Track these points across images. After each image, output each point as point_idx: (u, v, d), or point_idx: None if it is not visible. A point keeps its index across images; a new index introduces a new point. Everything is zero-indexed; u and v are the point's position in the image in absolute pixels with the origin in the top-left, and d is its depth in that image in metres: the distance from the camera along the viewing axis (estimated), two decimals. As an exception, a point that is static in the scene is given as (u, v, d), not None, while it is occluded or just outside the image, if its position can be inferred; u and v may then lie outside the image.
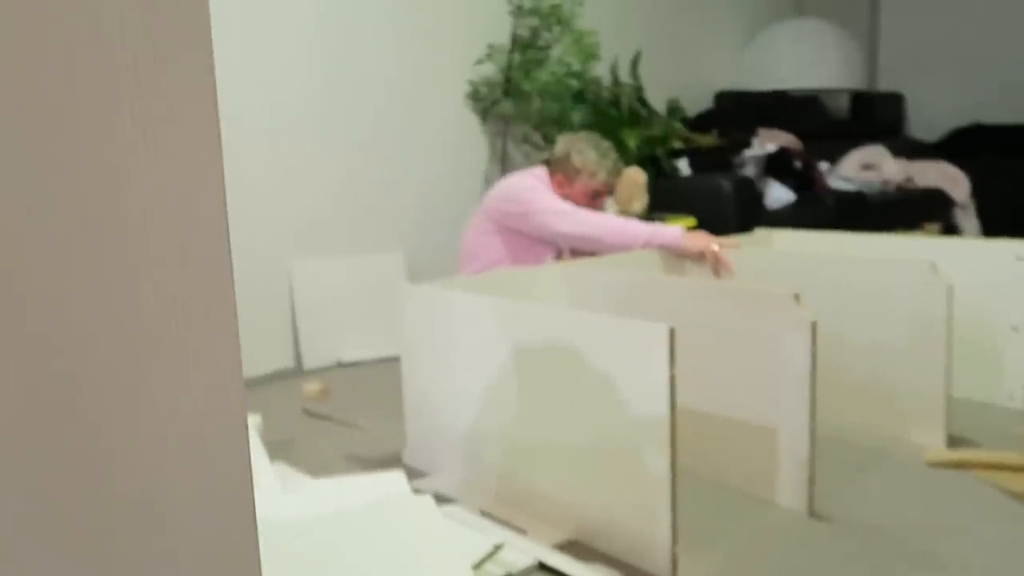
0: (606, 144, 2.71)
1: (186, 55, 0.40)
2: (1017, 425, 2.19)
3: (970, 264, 2.32)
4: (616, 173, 2.71)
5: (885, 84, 5.91)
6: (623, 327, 1.47)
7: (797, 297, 1.68)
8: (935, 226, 4.23)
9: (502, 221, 2.57)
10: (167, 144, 0.40)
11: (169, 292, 0.42)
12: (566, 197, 2.62)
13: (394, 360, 2.88)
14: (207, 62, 0.40)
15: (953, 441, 2.06)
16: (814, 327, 1.65)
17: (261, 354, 2.98)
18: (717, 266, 2.36)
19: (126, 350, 0.41)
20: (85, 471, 0.42)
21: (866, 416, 2.17)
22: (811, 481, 1.70)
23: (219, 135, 0.42)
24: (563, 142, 2.69)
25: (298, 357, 3.05)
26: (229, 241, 0.43)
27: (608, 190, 2.71)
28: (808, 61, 4.69)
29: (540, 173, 2.66)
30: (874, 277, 2.12)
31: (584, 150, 2.65)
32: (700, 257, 2.37)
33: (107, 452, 0.42)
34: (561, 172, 2.64)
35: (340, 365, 3.05)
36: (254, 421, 2.13)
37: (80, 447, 0.41)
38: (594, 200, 2.67)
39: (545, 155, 3.07)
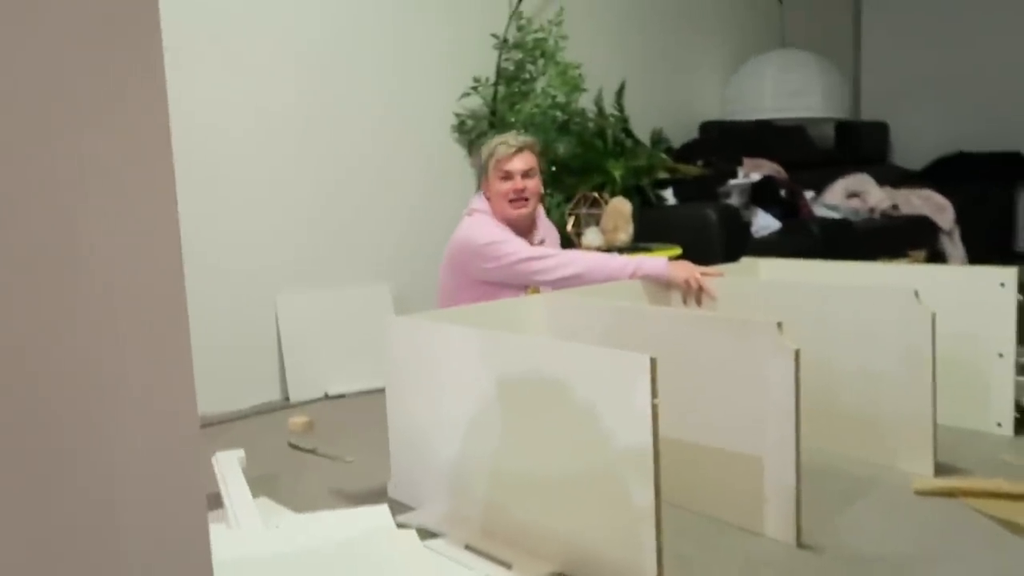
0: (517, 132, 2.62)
1: (137, 96, 0.40)
2: (1005, 452, 2.18)
3: (954, 291, 2.33)
4: (516, 147, 2.50)
5: (869, 114, 5.99)
6: (605, 357, 1.46)
7: (780, 325, 1.67)
8: (920, 253, 4.26)
9: (477, 277, 2.47)
10: (118, 183, 0.40)
11: (120, 329, 0.41)
12: (489, 200, 2.54)
13: (381, 392, 2.86)
14: (160, 105, 0.40)
15: (941, 469, 2.05)
16: (797, 355, 1.65)
17: (247, 388, 2.95)
18: (701, 295, 2.36)
19: (75, 385, 0.41)
20: (36, 505, 0.41)
21: (853, 444, 2.16)
22: (798, 511, 1.69)
23: (172, 175, 0.42)
24: None
25: (285, 390, 3.03)
26: (183, 281, 0.42)
27: (521, 171, 2.49)
28: (792, 91, 4.75)
29: (480, 204, 2.58)
30: (858, 305, 2.12)
31: (489, 141, 2.61)
32: (685, 286, 2.37)
33: (60, 483, 0.41)
34: (483, 175, 2.58)
35: (327, 398, 3.03)
36: (237, 456, 2.10)
37: (31, 483, 0.40)
38: (506, 186, 2.49)
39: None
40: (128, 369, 0.42)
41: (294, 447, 2.44)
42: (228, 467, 2.01)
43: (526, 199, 2.52)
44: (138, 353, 0.42)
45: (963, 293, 2.32)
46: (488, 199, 2.57)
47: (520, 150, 2.51)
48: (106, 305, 0.42)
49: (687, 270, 2.38)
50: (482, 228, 2.48)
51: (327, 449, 2.40)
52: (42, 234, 0.40)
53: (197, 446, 0.44)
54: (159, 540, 0.44)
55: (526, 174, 2.51)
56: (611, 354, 1.45)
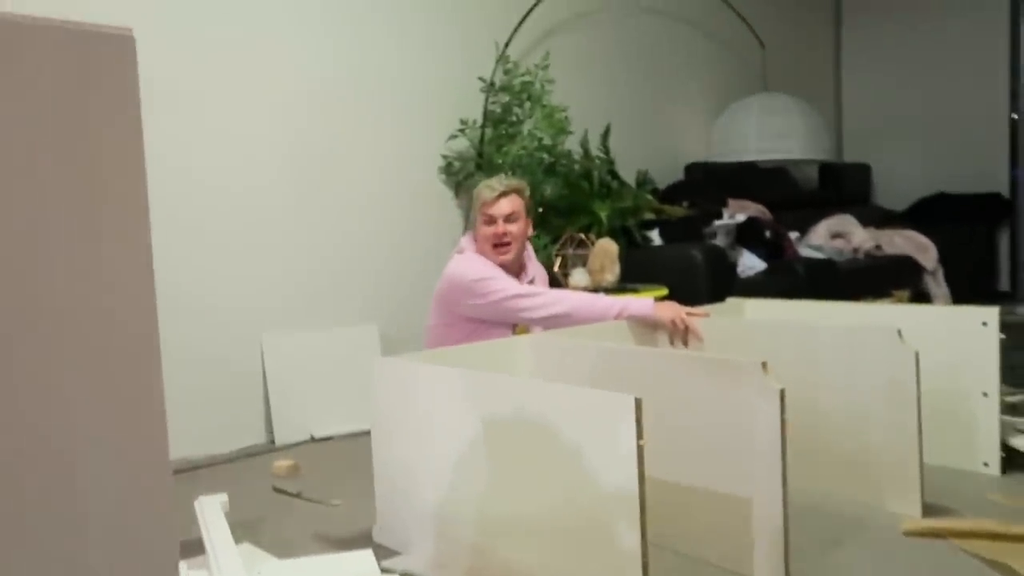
0: (504, 176, 2.63)
1: (115, 153, 0.41)
2: (993, 492, 2.18)
3: (937, 331, 2.35)
4: (499, 191, 2.50)
5: (851, 155, 6.09)
6: (589, 398, 1.46)
7: (765, 365, 1.68)
8: (904, 293, 4.29)
9: (466, 313, 2.48)
10: (90, 230, 0.40)
11: (95, 381, 0.41)
12: (476, 242, 2.56)
13: (368, 435, 2.84)
14: (137, 164, 0.41)
15: (929, 509, 2.05)
16: (782, 395, 1.65)
17: (232, 430, 2.92)
18: (687, 335, 2.37)
19: (50, 434, 0.40)
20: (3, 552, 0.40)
21: (841, 484, 2.15)
22: (787, 553, 1.67)
23: (148, 233, 0.42)
24: None
25: (270, 433, 3.00)
26: (158, 340, 0.42)
27: (503, 215, 2.49)
28: (775, 134, 4.82)
29: (469, 244, 2.60)
30: (842, 344, 2.13)
31: (478, 184, 2.63)
32: (672, 326, 2.38)
33: (28, 530, 0.40)
34: (472, 219, 2.60)
35: (313, 440, 3.00)
36: (220, 501, 2.07)
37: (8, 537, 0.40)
38: (489, 230, 2.50)
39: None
40: (99, 416, 0.42)
41: (279, 491, 2.41)
42: (210, 512, 1.98)
43: (508, 244, 2.51)
44: (110, 400, 0.42)
45: (946, 333, 2.34)
46: (476, 240, 2.59)
47: (504, 194, 2.51)
48: (77, 353, 0.42)
49: (673, 310, 2.39)
50: (472, 265, 2.49)
51: (312, 493, 2.37)
52: (12, 283, 0.40)
53: (169, 494, 0.43)
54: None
55: (509, 218, 2.51)
56: (596, 395, 1.45)
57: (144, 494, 0.43)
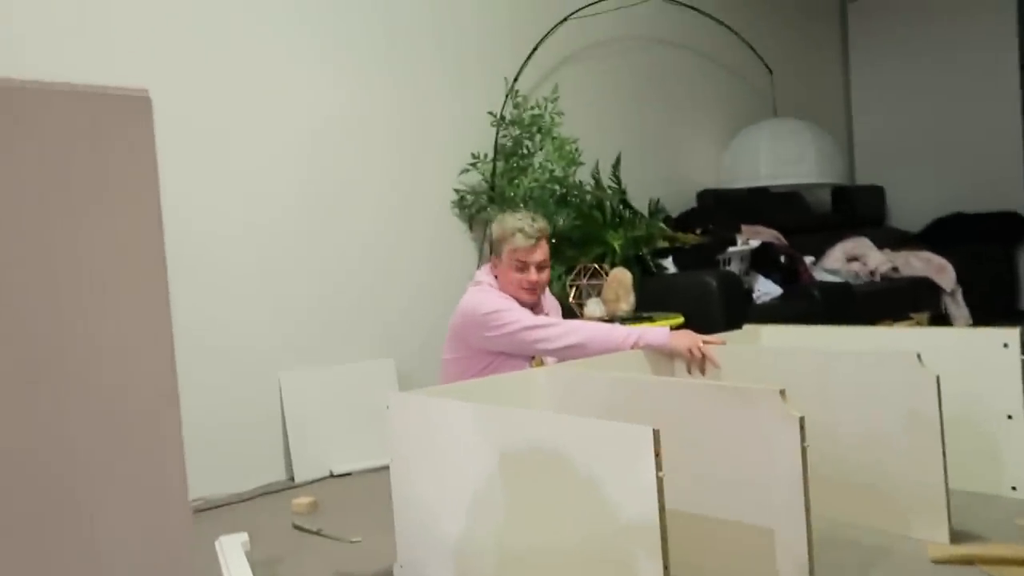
0: (534, 215, 2.57)
1: (133, 209, 0.42)
2: (1021, 516, 2.14)
3: (957, 353, 2.33)
4: (535, 238, 2.48)
5: (864, 178, 6.07)
6: (607, 430, 1.45)
7: (783, 393, 1.67)
8: (924, 315, 4.25)
9: (480, 346, 2.47)
10: (113, 289, 0.41)
11: (114, 426, 0.42)
12: (497, 278, 2.54)
13: (387, 469, 2.83)
14: (154, 220, 0.42)
15: (956, 535, 2.01)
16: (802, 422, 1.64)
17: (251, 469, 2.93)
18: (704, 363, 2.36)
19: (74, 482, 0.41)
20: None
21: (865, 512, 2.12)
22: (812, 583, 1.65)
23: (165, 282, 0.43)
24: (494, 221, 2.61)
25: (290, 470, 3.00)
26: (176, 384, 0.43)
27: (536, 263, 2.50)
28: (787, 159, 4.83)
29: (486, 277, 2.59)
30: (861, 370, 2.12)
31: (504, 219, 2.56)
32: (688, 355, 2.37)
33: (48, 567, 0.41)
34: (493, 252, 2.57)
35: (332, 476, 3.00)
36: (241, 540, 2.08)
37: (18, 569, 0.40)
38: (520, 276, 2.50)
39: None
40: (119, 459, 0.43)
41: (299, 528, 2.41)
42: (231, 551, 1.98)
43: (538, 288, 2.55)
44: (130, 441, 0.43)
45: (966, 355, 2.32)
46: (496, 276, 2.58)
47: (539, 240, 2.50)
48: (96, 399, 0.43)
49: (689, 339, 2.38)
50: (487, 297, 2.49)
51: (332, 530, 2.36)
52: (34, 333, 0.41)
53: (189, 535, 0.44)
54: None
55: (540, 265, 2.52)
56: (614, 427, 1.45)
57: (163, 537, 0.44)
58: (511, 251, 2.50)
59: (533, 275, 2.51)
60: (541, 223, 2.55)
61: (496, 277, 2.58)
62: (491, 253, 2.60)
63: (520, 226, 2.50)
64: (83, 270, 0.42)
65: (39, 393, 0.40)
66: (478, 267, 3.57)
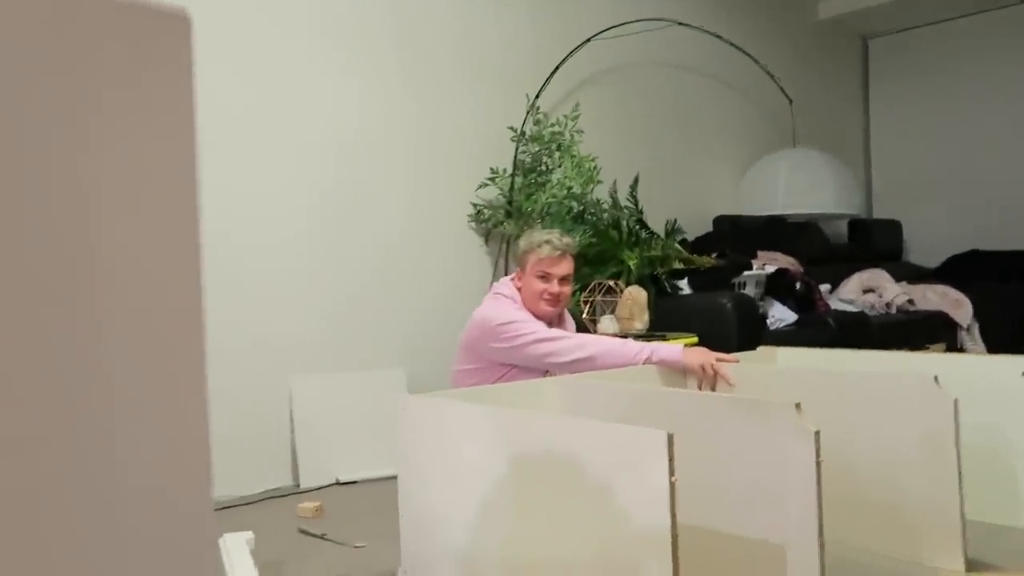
0: (559, 231, 2.62)
1: (170, 192, 0.42)
2: (1037, 548, 2.10)
3: (973, 381, 2.30)
4: (561, 251, 2.52)
5: (880, 211, 6.06)
6: (620, 434, 1.44)
7: (798, 406, 1.65)
8: (940, 346, 4.22)
9: (491, 357, 2.47)
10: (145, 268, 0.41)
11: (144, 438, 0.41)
12: (519, 290, 2.55)
13: (394, 480, 2.81)
14: (192, 210, 0.42)
15: (972, 564, 1.97)
16: (817, 436, 1.62)
17: (258, 472, 2.92)
18: (717, 381, 2.34)
19: (98, 494, 0.40)
20: None
21: (879, 536, 2.09)
22: (823, 603, 1.62)
23: (199, 267, 0.43)
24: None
25: (296, 476, 2.99)
26: (207, 397, 0.42)
27: (560, 276, 2.52)
28: (804, 189, 4.82)
29: (506, 288, 2.59)
30: (877, 391, 2.09)
31: (530, 233, 2.62)
32: (701, 372, 2.35)
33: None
34: (518, 264, 2.60)
35: (338, 484, 2.98)
36: (246, 538, 2.06)
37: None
38: (542, 287, 2.51)
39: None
40: (143, 457, 0.42)
41: (304, 532, 2.39)
42: (236, 549, 1.97)
43: (558, 303, 2.56)
44: (154, 440, 0.43)
45: (982, 383, 2.29)
46: (519, 289, 2.58)
47: (564, 254, 2.53)
48: (121, 399, 0.42)
49: (703, 356, 2.36)
50: (501, 308, 2.49)
51: (337, 535, 2.35)
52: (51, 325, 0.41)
53: (213, 545, 0.43)
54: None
55: (563, 279, 2.54)
56: (626, 431, 1.43)
57: (188, 546, 0.43)
58: (536, 261, 2.53)
59: (555, 286, 2.52)
60: (569, 239, 2.60)
61: (519, 290, 2.58)
62: (517, 266, 2.62)
63: (548, 238, 2.55)
64: (109, 211, 0.41)
65: (68, 312, 0.40)
66: (492, 280, 3.58)
